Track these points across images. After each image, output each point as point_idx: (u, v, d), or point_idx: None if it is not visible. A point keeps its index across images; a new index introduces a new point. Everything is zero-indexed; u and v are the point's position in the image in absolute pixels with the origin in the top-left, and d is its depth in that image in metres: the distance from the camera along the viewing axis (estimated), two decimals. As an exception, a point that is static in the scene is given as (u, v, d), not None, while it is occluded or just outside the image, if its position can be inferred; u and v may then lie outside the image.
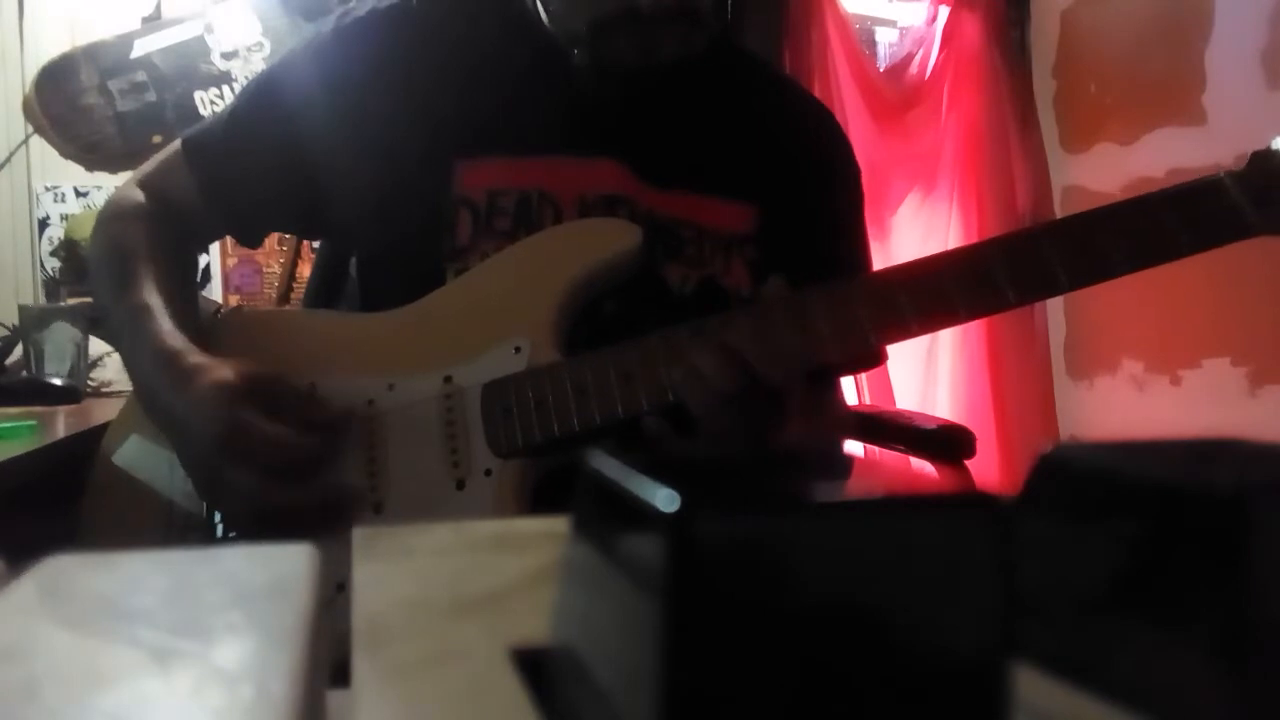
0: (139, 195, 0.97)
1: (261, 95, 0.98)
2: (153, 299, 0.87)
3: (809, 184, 0.99)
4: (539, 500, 0.82)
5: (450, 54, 0.93)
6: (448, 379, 0.84)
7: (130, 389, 0.91)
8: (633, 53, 0.87)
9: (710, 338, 0.78)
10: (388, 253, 0.93)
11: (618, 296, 0.88)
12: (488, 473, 0.81)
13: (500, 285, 0.86)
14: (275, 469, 0.77)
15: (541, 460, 0.82)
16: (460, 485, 0.82)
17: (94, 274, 0.97)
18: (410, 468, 0.83)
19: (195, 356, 0.82)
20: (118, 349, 0.94)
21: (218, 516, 0.86)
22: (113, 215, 0.96)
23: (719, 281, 0.92)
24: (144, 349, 0.84)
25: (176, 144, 0.99)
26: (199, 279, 2.22)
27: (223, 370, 0.80)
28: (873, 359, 1.04)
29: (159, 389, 0.82)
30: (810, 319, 0.78)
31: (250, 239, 1.06)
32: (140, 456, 0.86)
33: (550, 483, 0.83)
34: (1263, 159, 0.78)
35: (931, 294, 0.78)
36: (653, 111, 0.94)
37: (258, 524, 0.79)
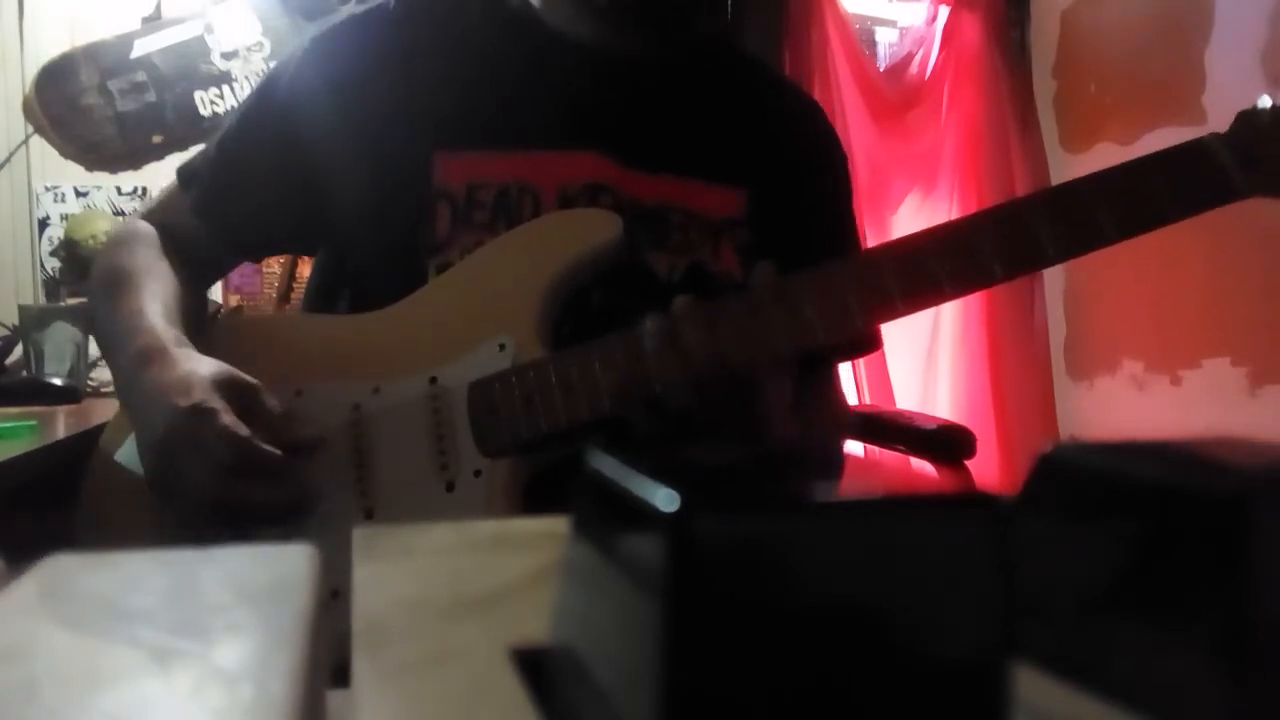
0: (143, 225, 0.98)
1: (247, 113, 0.98)
2: (147, 306, 0.86)
3: (798, 167, 0.99)
4: (531, 499, 0.82)
5: (429, 49, 0.93)
6: (433, 380, 0.83)
7: None
8: None
9: (692, 327, 0.77)
10: (373, 250, 0.93)
11: (604, 287, 0.87)
12: (477, 473, 0.81)
13: (482, 282, 0.86)
14: (225, 463, 0.74)
15: (531, 459, 0.82)
16: (450, 487, 0.81)
17: (92, 296, 0.97)
18: (399, 471, 0.82)
19: (183, 349, 0.81)
20: (106, 358, 0.93)
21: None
22: (116, 242, 0.97)
23: (707, 268, 0.91)
24: (130, 345, 0.83)
25: (174, 177, 1.00)
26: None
27: (204, 362, 0.79)
28: (868, 343, 1.04)
29: (135, 373, 0.80)
30: (797, 304, 0.77)
31: (249, 253, 1.06)
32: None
33: (542, 481, 0.82)
34: (1248, 119, 0.77)
35: (918, 271, 0.77)
36: (637, 97, 0.94)
37: (197, 520, 0.76)
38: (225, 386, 0.77)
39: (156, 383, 0.78)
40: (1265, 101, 0.77)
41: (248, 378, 0.80)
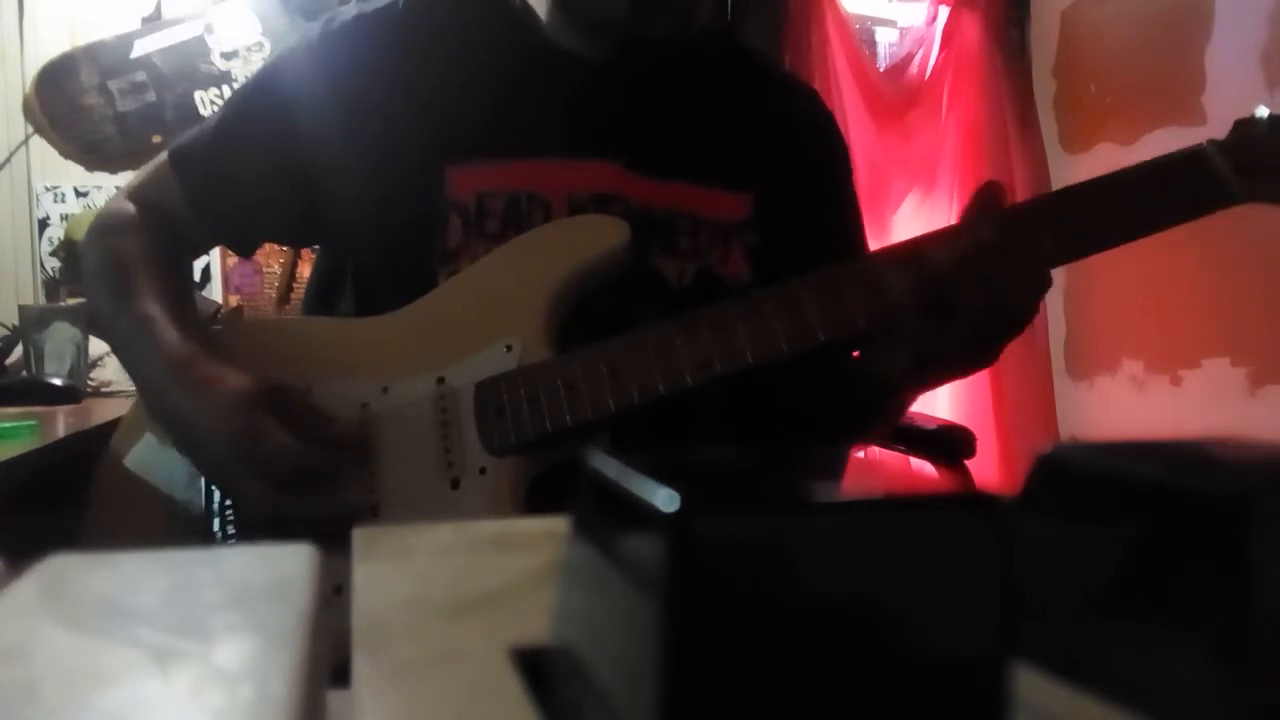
0: (130, 208, 0.96)
1: (248, 102, 0.98)
2: (155, 309, 0.87)
3: (803, 164, 0.99)
4: (534, 498, 0.82)
5: (438, 58, 0.93)
6: (440, 380, 0.84)
7: (135, 391, 0.91)
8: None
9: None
10: (380, 258, 0.93)
11: (615, 292, 0.88)
12: (482, 471, 0.82)
13: (490, 285, 0.87)
14: (283, 478, 0.78)
15: (535, 457, 0.83)
16: (455, 484, 0.82)
17: (90, 287, 0.97)
18: (405, 469, 0.83)
19: (208, 365, 0.83)
20: (120, 359, 0.93)
21: (216, 524, 0.86)
22: (105, 229, 0.96)
23: (715, 271, 0.92)
24: (154, 358, 0.85)
25: (164, 155, 0.99)
26: (199, 279, 2.22)
27: (239, 378, 0.81)
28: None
29: (171, 395, 0.83)
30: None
31: (242, 247, 1.06)
32: (154, 459, 0.86)
33: (545, 480, 0.83)
34: (1246, 126, 0.79)
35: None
36: (644, 105, 0.94)
37: (266, 526, 0.81)
38: (268, 400, 0.80)
39: (202, 402, 0.81)
40: (1263, 111, 0.79)
41: (279, 383, 0.82)
